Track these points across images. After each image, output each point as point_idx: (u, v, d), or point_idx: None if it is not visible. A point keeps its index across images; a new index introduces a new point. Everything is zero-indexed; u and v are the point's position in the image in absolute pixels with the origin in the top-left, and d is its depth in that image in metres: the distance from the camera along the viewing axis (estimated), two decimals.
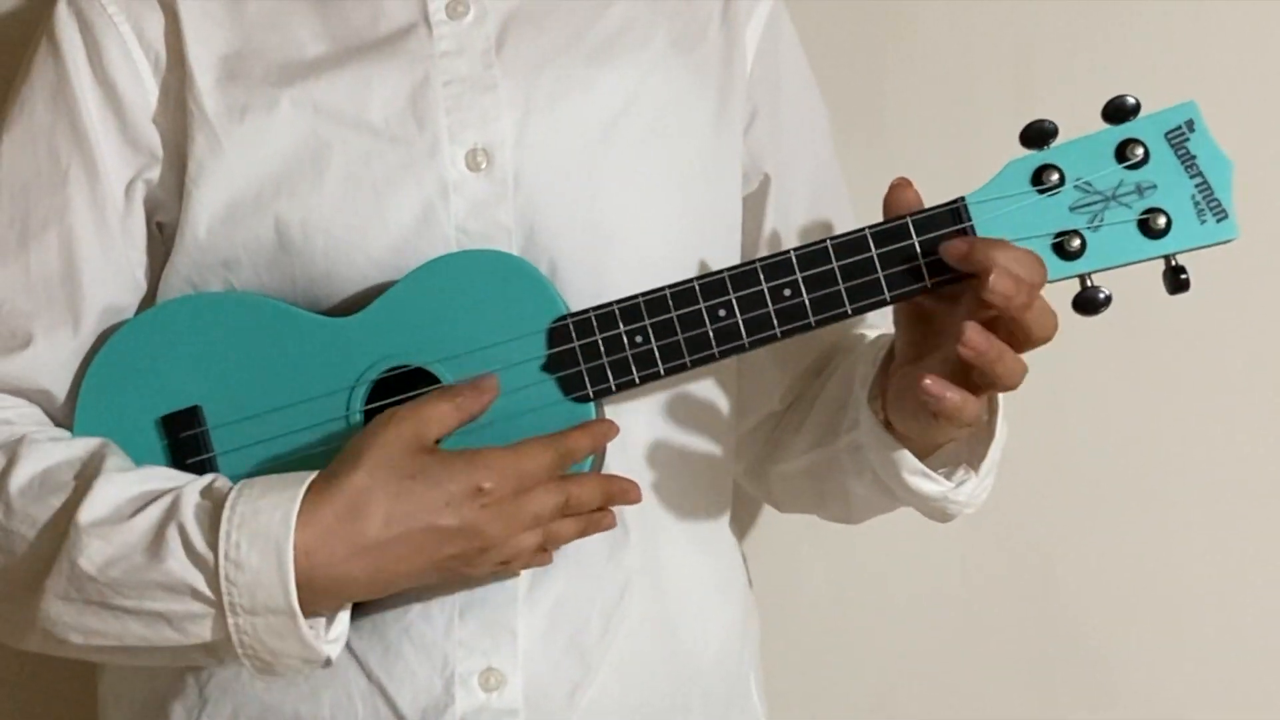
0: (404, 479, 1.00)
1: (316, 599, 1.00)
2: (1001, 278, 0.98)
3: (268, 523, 0.98)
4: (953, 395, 1.00)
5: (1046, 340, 1.01)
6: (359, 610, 1.10)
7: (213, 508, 1.00)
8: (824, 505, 1.26)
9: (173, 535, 0.99)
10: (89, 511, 1.01)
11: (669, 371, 1.06)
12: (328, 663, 1.02)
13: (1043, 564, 1.53)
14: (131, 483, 1.03)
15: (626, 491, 1.08)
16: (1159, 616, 1.52)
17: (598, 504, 1.06)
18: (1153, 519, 1.51)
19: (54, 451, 1.06)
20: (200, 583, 0.99)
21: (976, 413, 1.02)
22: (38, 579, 1.02)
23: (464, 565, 1.03)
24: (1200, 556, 1.51)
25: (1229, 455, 1.50)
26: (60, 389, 1.12)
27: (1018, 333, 1.00)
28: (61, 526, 1.02)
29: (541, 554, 1.07)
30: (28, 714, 1.52)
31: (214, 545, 0.98)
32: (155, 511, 1.01)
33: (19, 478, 1.05)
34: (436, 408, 1.03)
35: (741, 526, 1.46)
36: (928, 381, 1.00)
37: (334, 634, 1.03)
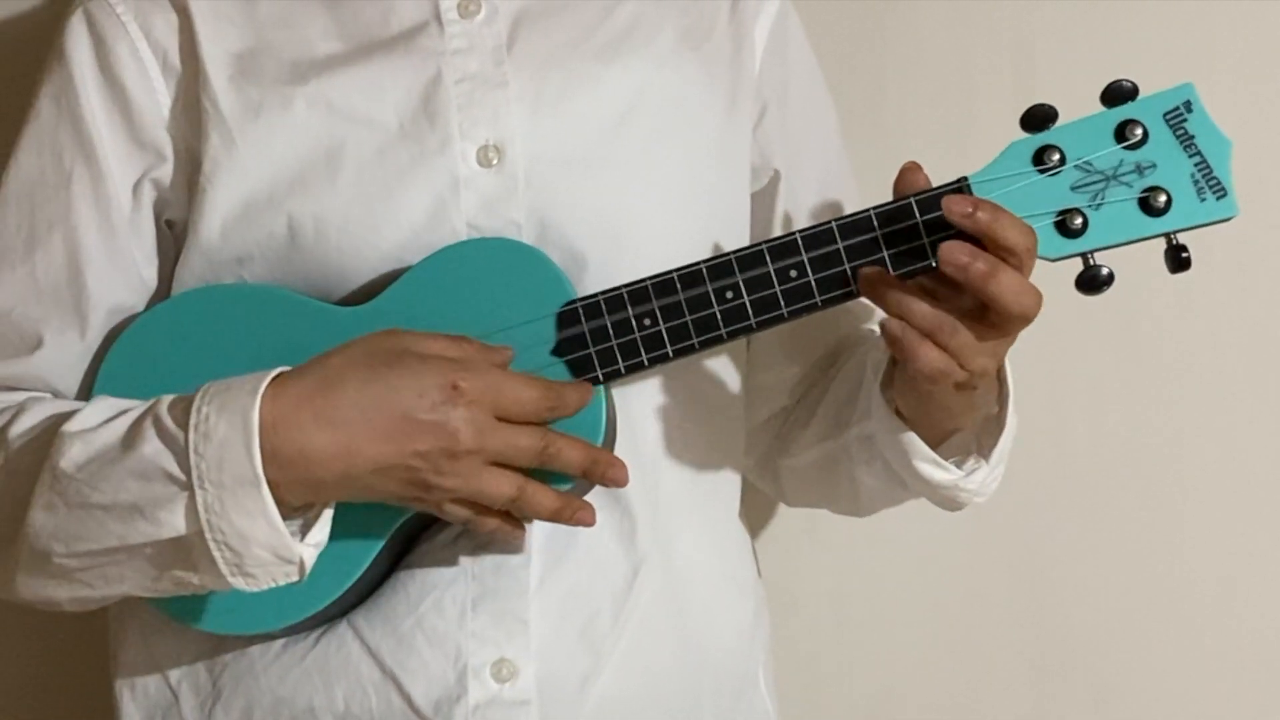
0: (381, 364, 1.01)
1: (284, 474, 0.99)
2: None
3: (237, 393, 0.99)
4: (927, 349, 1.01)
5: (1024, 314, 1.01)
6: (371, 600, 1.11)
7: (188, 400, 1.01)
8: (833, 498, 1.27)
9: (148, 425, 1.00)
10: (74, 424, 1.03)
11: (677, 353, 1.07)
12: (302, 572, 1.01)
13: (1044, 563, 1.53)
14: (119, 403, 1.05)
15: (613, 464, 1.06)
16: (1159, 617, 1.52)
17: (579, 464, 1.04)
18: (1152, 519, 1.51)
19: (56, 405, 1.08)
20: (170, 462, 0.99)
21: (962, 373, 1.02)
22: (25, 499, 1.03)
23: (432, 471, 1.01)
24: (1200, 557, 1.52)
25: (1229, 455, 1.50)
26: (70, 389, 1.14)
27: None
28: (47, 441, 1.03)
29: (512, 525, 1.05)
30: (50, 710, 1.53)
31: (185, 424, 0.99)
32: (134, 413, 1.03)
33: (19, 427, 1.07)
34: (438, 338, 1.03)
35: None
36: (892, 327, 1.01)
37: (312, 539, 1.01)
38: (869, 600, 1.54)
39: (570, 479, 1.06)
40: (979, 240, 1.01)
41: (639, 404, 1.14)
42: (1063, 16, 1.48)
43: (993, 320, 1.01)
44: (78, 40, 1.14)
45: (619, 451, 1.11)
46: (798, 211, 1.24)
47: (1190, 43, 1.47)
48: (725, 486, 1.22)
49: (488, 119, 1.13)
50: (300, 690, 1.11)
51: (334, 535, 1.04)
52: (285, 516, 1.00)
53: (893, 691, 1.55)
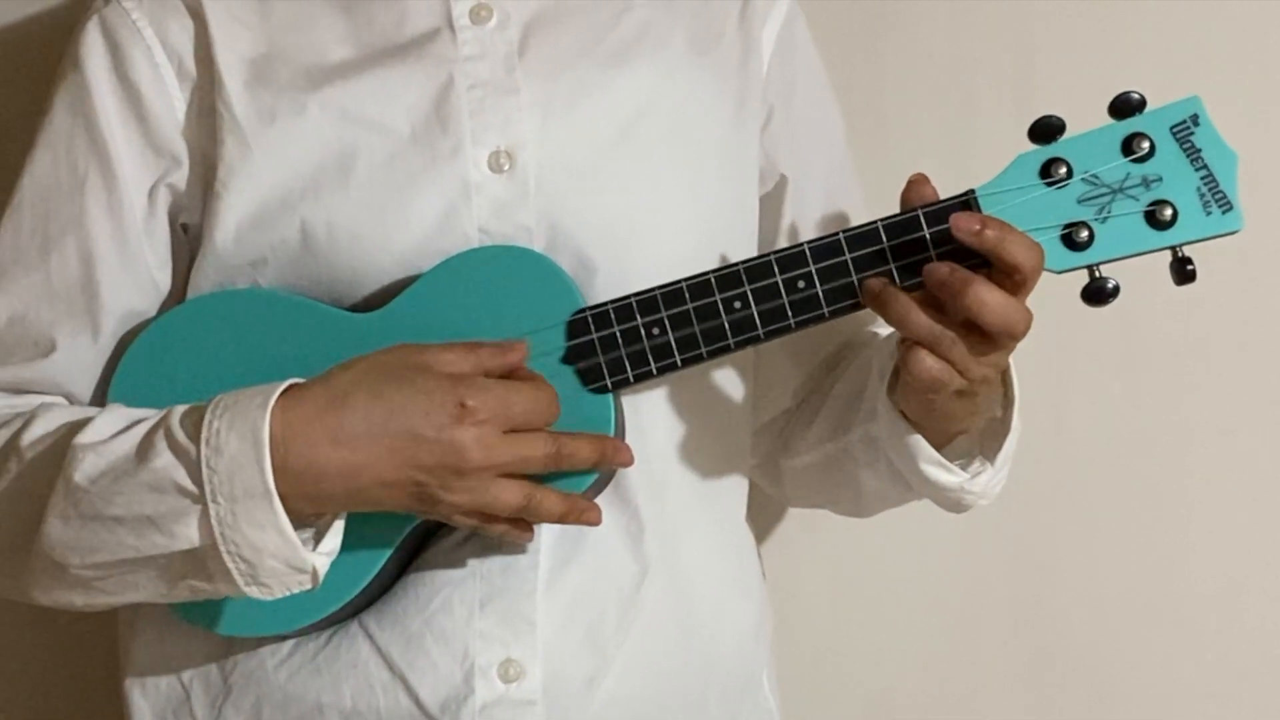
0: (390, 382, 1.02)
1: (293, 488, 1.00)
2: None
3: (247, 408, 1.00)
4: (927, 359, 1.02)
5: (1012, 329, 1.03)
6: (382, 601, 1.12)
7: (199, 412, 1.02)
8: (836, 498, 1.28)
9: (160, 438, 1.01)
10: (86, 435, 1.04)
11: (685, 363, 1.08)
12: (315, 580, 1.02)
13: (1044, 564, 1.54)
14: (131, 413, 1.06)
15: (619, 451, 1.08)
16: (1159, 618, 1.53)
17: (590, 458, 1.06)
18: (1153, 520, 1.52)
19: (68, 413, 1.10)
20: (183, 476, 1.00)
21: (962, 382, 1.04)
22: (40, 511, 1.04)
23: (440, 487, 1.02)
24: (1200, 558, 1.52)
25: (1230, 456, 1.51)
26: (84, 393, 1.15)
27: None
28: (60, 452, 1.04)
29: (520, 528, 1.07)
30: (57, 707, 1.54)
31: (196, 438, 1.00)
32: (147, 425, 1.04)
33: (31, 435, 1.08)
34: (451, 349, 1.04)
35: None
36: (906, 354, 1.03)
37: (324, 548, 1.03)
38: (869, 600, 1.55)
39: (589, 475, 1.08)
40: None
41: (647, 409, 1.15)
42: (1064, 17, 1.49)
43: (984, 334, 1.02)
44: (93, 46, 1.14)
45: None
46: (804, 216, 1.25)
47: (1191, 44, 1.47)
48: (732, 489, 1.23)
49: (499, 125, 1.13)
50: (309, 688, 1.12)
51: (346, 540, 1.06)
52: (297, 526, 1.01)
53: (893, 691, 1.56)
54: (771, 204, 1.25)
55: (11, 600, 1.13)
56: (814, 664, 1.54)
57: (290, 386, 1.02)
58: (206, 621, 1.11)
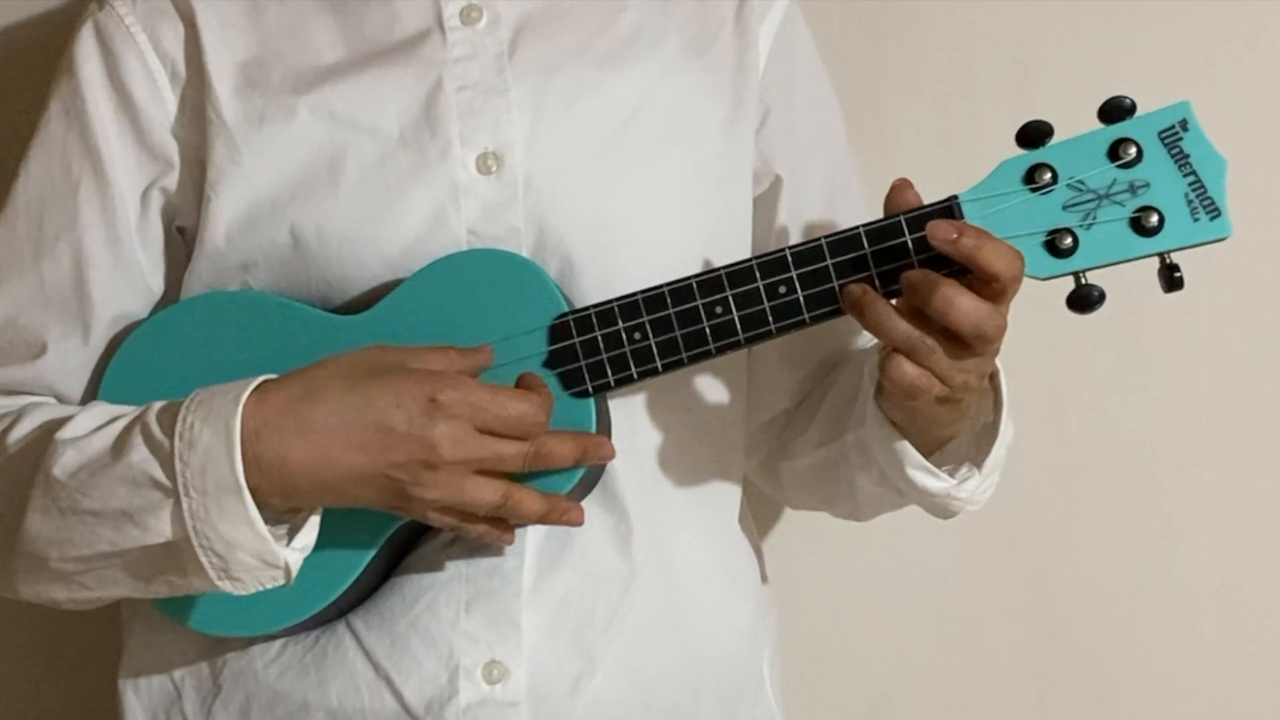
0: (362, 378, 1.02)
1: (265, 482, 1.00)
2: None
3: (220, 402, 1.01)
4: (903, 366, 1.02)
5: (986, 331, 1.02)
6: (369, 602, 1.13)
7: (175, 408, 1.03)
8: (833, 502, 1.28)
9: (136, 433, 1.02)
10: (66, 431, 1.05)
11: (666, 368, 1.08)
12: (288, 576, 1.02)
13: (1044, 564, 1.53)
14: (111, 409, 1.07)
15: (600, 445, 1.07)
16: (1159, 618, 1.52)
17: (570, 456, 1.05)
18: (1152, 521, 1.52)
19: (53, 411, 1.11)
20: (157, 470, 1.01)
21: (942, 389, 1.03)
22: (22, 504, 1.05)
23: (412, 483, 1.02)
24: (1200, 559, 1.51)
25: (1229, 457, 1.50)
26: (74, 393, 1.16)
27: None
28: (42, 448, 1.06)
29: (501, 529, 1.07)
30: (50, 705, 1.56)
31: (171, 433, 1.01)
32: (124, 420, 1.05)
33: (16, 433, 1.09)
34: (424, 350, 1.05)
35: None
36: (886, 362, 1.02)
37: (298, 543, 1.03)
38: (869, 601, 1.55)
39: (572, 475, 1.07)
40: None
41: (639, 411, 1.15)
42: (1063, 18, 1.47)
43: (961, 340, 1.01)
44: (87, 50, 1.16)
45: (618, 459, 1.12)
46: (800, 217, 1.24)
47: (1192, 46, 1.46)
48: (725, 491, 1.22)
49: (488, 126, 1.13)
50: (296, 687, 1.13)
51: (330, 540, 1.06)
52: (272, 521, 1.02)
53: (893, 692, 1.56)
54: (766, 205, 1.24)
55: (7, 600, 1.15)
56: (814, 665, 1.54)
57: (264, 382, 1.03)
58: (191, 620, 1.12)
